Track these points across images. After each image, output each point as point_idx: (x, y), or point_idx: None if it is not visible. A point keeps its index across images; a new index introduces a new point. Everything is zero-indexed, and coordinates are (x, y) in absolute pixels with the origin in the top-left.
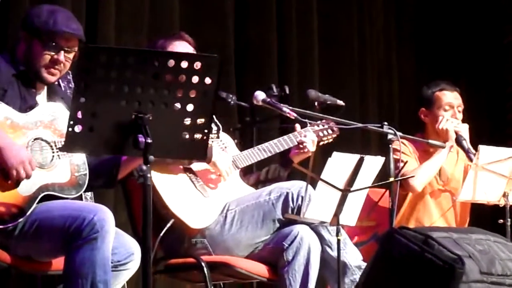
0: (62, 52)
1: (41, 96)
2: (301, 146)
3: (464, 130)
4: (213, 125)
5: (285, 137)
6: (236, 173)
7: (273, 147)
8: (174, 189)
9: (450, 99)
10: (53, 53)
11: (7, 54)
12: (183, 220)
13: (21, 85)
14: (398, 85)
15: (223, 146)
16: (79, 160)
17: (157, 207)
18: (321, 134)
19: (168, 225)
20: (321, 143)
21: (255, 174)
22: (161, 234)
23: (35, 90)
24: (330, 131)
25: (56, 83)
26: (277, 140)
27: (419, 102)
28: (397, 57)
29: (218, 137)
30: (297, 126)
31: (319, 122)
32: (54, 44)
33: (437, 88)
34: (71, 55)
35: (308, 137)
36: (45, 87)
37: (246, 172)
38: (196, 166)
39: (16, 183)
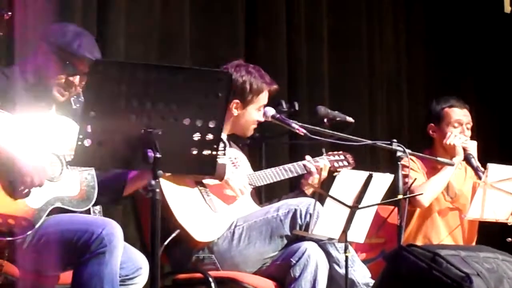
0: (78, 76)
1: (51, 111)
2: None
3: (473, 147)
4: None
5: (300, 163)
6: (247, 191)
7: (287, 172)
8: (182, 199)
9: (459, 116)
10: (69, 75)
11: (15, 66)
12: (188, 231)
13: (31, 99)
14: (407, 101)
15: (235, 161)
16: (88, 174)
17: (164, 217)
18: (336, 164)
19: (174, 234)
20: (335, 174)
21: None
22: (165, 243)
23: (44, 104)
24: (345, 163)
25: None
26: (291, 165)
27: (427, 118)
28: (407, 72)
29: (224, 154)
30: (307, 157)
31: (335, 152)
32: (73, 67)
33: (446, 105)
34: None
35: (320, 163)
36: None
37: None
38: (210, 181)
39: (28, 192)
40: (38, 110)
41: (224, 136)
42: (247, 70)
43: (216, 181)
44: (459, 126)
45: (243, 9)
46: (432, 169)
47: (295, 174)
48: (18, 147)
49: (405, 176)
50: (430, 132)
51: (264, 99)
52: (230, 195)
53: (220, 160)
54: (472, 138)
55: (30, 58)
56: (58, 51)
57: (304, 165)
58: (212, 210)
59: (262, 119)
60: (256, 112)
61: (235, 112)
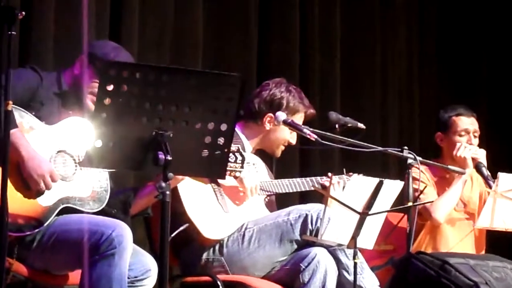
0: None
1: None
2: None
3: (482, 156)
4: (238, 155)
5: (318, 178)
6: (261, 198)
7: (300, 185)
8: (195, 195)
9: (466, 124)
10: None
11: (54, 73)
12: (197, 226)
13: (60, 105)
14: (419, 108)
15: (252, 166)
16: (101, 176)
17: (175, 211)
18: None
19: (182, 228)
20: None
21: None
22: (173, 235)
23: (72, 112)
24: None
25: None
26: (309, 179)
27: (436, 126)
28: (418, 80)
29: (242, 167)
30: (330, 174)
31: (354, 174)
32: None
33: (453, 113)
34: None
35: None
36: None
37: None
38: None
39: (36, 194)
40: (64, 116)
41: (249, 149)
42: (288, 88)
43: (231, 181)
44: (466, 135)
45: (257, 15)
46: (441, 178)
47: (307, 189)
48: (26, 150)
49: (416, 190)
50: (438, 140)
51: (299, 121)
52: (243, 195)
53: (238, 174)
54: (481, 145)
55: (69, 69)
56: (94, 60)
57: (320, 183)
58: (224, 210)
59: (294, 142)
60: (288, 132)
61: (268, 126)
